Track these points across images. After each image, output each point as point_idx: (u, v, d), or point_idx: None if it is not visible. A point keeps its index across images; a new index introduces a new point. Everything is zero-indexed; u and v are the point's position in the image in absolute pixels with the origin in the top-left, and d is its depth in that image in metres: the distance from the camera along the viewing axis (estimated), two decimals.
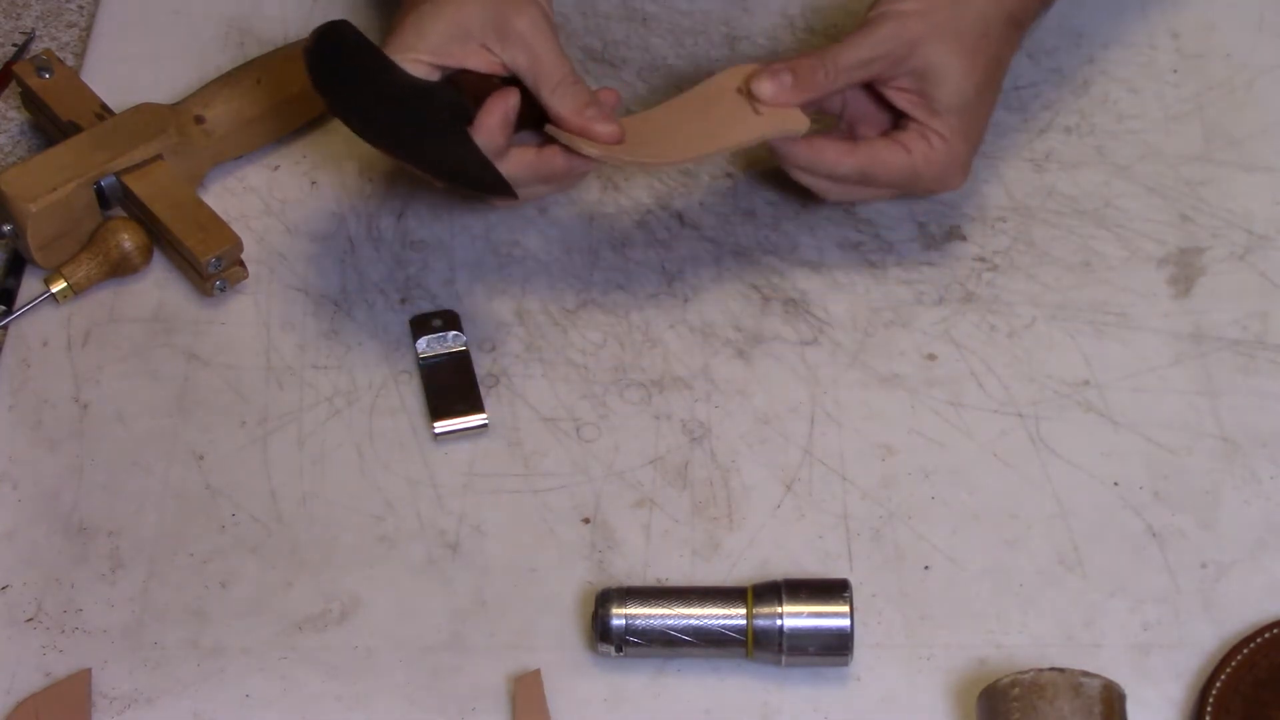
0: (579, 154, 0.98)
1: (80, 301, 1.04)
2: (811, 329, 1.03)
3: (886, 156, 1.02)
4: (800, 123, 1.01)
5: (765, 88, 1.00)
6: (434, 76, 0.99)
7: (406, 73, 0.98)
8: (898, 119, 1.03)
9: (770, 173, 1.10)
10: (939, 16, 1.01)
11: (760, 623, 0.88)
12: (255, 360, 1.02)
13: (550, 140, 1.00)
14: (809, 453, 0.98)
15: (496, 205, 1.06)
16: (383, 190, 1.10)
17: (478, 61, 0.99)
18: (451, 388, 1.00)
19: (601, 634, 0.88)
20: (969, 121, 1.02)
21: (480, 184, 0.97)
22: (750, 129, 1.00)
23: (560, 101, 0.98)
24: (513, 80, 1.00)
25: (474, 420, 0.99)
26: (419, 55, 0.98)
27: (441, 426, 0.99)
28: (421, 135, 0.97)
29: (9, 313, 1.03)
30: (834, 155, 1.02)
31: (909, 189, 1.05)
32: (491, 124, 0.98)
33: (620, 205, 1.09)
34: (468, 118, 0.98)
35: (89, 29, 1.19)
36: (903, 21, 1.01)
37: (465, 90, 0.99)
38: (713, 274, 1.06)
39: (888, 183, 1.03)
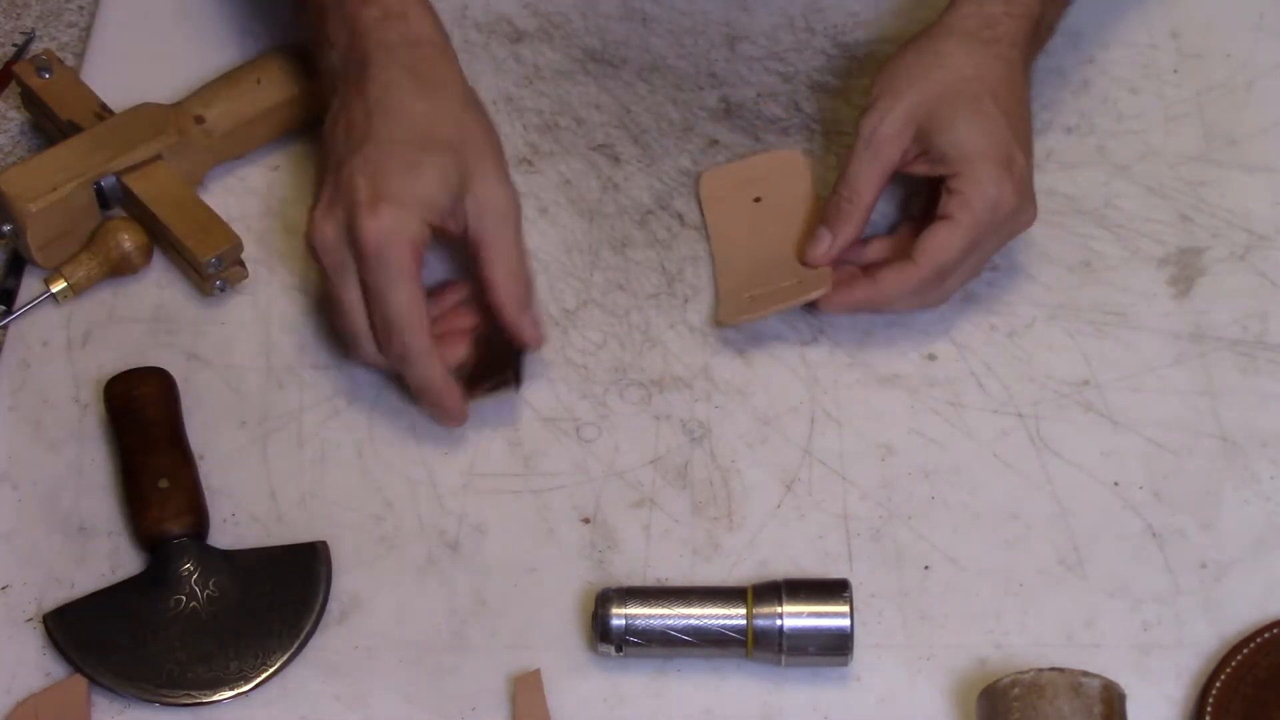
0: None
1: (80, 301, 1.04)
2: (811, 329, 1.03)
3: (942, 240, 0.97)
4: (824, 283, 1.00)
5: (816, 254, 1.01)
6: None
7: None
8: (932, 191, 1.00)
9: None
10: (903, 84, 0.99)
11: (760, 623, 0.88)
12: (255, 360, 1.02)
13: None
14: (809, 453, 0.98)
15: None
16: None
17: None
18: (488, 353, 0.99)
19: (601, 634, 0.88)
20: (997, 150, 0.97)
21: None
22: (790, 295, 1.01)
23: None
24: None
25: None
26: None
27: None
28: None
29: (9, 313, 1.03)
30: (896, 280, 0.99)
31: (986, 246, 0.99)
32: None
33: (620, 205, 1.09)
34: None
35: (89, 29, 1.19)
36: (879, 109, 0.99)
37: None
38: (713, 274, 1.06)
39: (960, 260, 0.98)
